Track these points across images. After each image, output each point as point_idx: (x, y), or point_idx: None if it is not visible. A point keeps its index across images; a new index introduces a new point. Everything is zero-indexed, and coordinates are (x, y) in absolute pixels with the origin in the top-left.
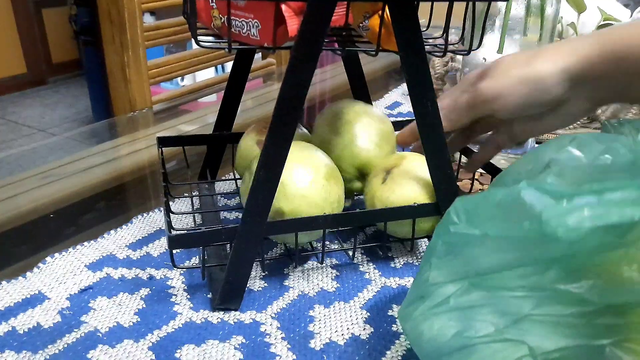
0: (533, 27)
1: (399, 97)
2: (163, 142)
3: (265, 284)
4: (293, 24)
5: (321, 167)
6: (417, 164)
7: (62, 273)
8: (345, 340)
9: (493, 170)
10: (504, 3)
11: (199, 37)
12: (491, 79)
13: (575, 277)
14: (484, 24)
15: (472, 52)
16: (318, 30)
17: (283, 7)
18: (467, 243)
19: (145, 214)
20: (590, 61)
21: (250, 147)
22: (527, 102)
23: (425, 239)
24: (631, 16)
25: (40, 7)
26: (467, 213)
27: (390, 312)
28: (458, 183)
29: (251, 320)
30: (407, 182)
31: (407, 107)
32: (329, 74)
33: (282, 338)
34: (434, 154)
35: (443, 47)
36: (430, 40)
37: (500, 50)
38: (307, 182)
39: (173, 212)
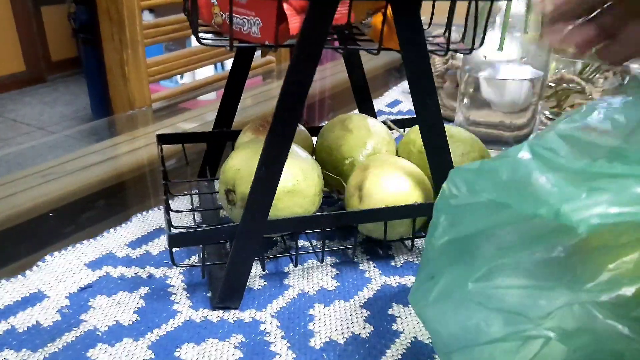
0: (533, 25)
1: (399, 95)
2: (163, 139)
3: (265, 283)
4: (295, 22)
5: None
6: (381, 173)
7: (61, 272)
8: (345, 339)
9: None
10: (505, 1)
11: (200, 35)
12: None
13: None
14: (487, 22)
15: (473, 50)
16: (320, 29)
17: (285, 5)
18: (472, 213)
19: (144, 212)
20: None
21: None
22: None
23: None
24: None
25: (39, 5)
26: (466, 183)
27: (390, 311)
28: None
29: (251, 319)
30: (381, 194)
31: (407, 105)
32: (329, 72)
33: (282, 337)
34: (435, 153)
35: (445, 45)
36: (432, 39)
37: (500, 48)
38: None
39: (173, 210)
